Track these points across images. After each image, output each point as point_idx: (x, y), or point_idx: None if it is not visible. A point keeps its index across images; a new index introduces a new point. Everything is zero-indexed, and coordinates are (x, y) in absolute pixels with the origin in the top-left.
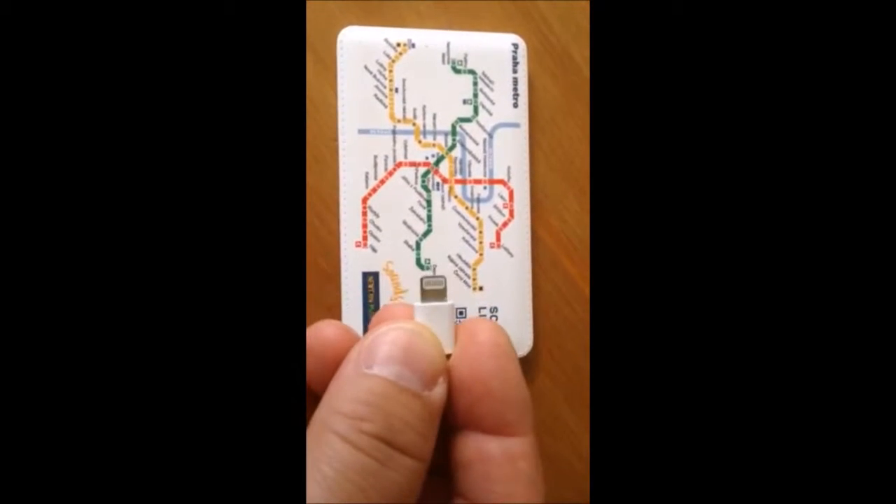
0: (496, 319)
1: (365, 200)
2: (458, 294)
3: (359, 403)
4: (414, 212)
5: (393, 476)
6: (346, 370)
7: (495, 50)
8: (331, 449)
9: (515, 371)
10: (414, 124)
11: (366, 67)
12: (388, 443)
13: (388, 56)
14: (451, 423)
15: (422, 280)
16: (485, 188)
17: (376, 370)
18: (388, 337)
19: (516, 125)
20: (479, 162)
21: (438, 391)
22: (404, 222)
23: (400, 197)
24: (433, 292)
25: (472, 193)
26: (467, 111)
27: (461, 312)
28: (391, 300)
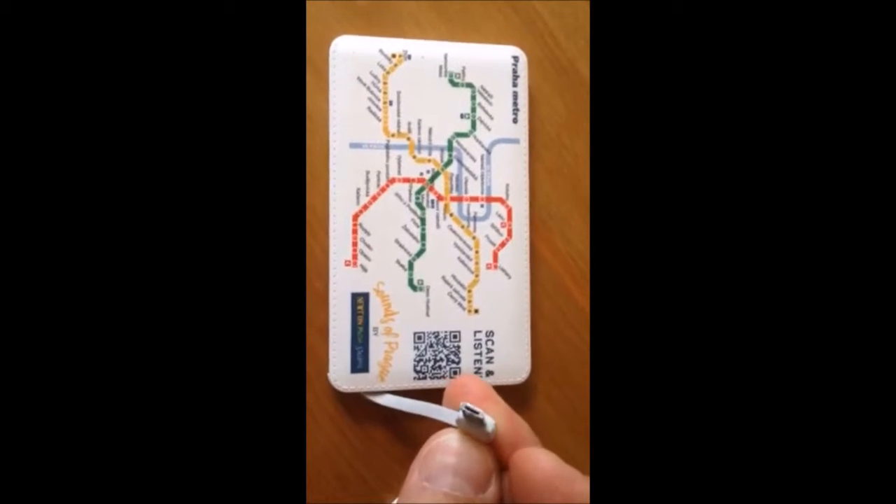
0: (492, 343)
1: (356, 217)
2: (452, 317)
3: None
4: (407, 230)
5: None
6: (410, 482)
7: (495, 63)
8: None
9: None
10: (408, 139)
11: (359, 79)
12: None
13: (382, 67)
14: None
15: (464, 411)
16: (482, 206)
17: (434, 484)
18: (441, 447)
19: (516, 141)
20: (476, 179)
21: (490, 492)
22: (397, 241)
23: (392, 214)
24: (474, 421)
25: (468, 212)
26: (464, 126)
27: (455, 336)
28: (381, 322)
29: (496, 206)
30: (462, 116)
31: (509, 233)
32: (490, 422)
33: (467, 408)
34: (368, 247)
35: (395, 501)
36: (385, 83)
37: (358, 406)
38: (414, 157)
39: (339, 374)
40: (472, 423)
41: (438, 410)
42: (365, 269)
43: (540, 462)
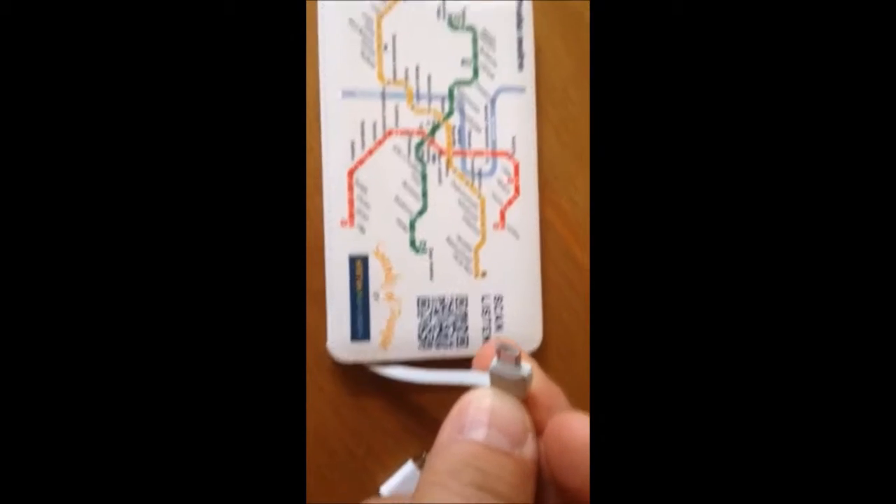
0: (501, 309)
1: (351, 173)
2: (458, 281)
3: (457, 464)
4: (407, 187)
5: None
6: (443, 437)
7: (497, 5)
8: (435, 498)
9: None
10: (406, 87)
11: (351, 21)
12: (487, 490)
13: (375, 9)
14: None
15: (498, 351)
16: (487, 161)
17: (467, 435)
18: (473, 405)
19: (521, 90)
20: (480, 131)
21: (528, 448)
22: (396, 199)
23: (391, 170)
24: (508, 359)
25: (472, 167)
26: (466, 73)
27: (462, 301)
28: (382, 287)
29: (502, 161)
30: (463, 63)
31: (517, 189)
32: (526, 366)
33: (503, 345)
34: (366, 205)
35: (424, 455)
36: (379, 26)
37: (352, 377)
38: (412, 107)
39: (338, 342)
40: (505, 367)
41: (462, 375)
42: (363, 230)
43: (575, 428)
